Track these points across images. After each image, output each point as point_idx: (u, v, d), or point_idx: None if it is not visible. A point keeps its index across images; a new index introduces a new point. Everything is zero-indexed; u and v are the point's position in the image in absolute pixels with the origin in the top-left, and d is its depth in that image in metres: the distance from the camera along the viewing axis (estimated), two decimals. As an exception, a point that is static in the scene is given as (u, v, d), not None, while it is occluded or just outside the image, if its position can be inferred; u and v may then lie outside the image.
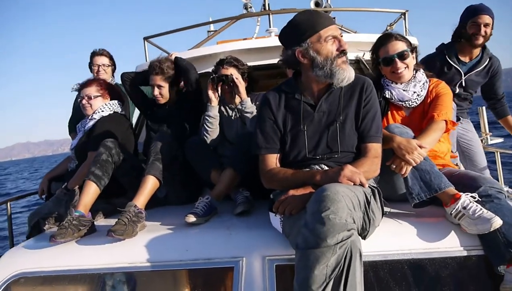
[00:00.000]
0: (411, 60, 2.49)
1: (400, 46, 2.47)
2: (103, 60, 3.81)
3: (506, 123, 3.59)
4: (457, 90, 3.39)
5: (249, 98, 2.94)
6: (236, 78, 2.91)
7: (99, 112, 3.03)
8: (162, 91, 3.15)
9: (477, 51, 3.33)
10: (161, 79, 3.12)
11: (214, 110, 2.96)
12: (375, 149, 2.02)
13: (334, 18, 5.76)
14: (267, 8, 5.07)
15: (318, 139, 2.05)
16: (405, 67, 2.47)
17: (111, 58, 3.87)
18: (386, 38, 2.56)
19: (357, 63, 3.82)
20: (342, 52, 1.97)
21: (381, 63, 2.53)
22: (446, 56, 3.35)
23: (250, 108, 2.90)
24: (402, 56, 2.46)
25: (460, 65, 3.35)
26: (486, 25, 3.16)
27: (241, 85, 2.92)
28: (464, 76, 3.35)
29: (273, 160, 2.11)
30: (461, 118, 3.52)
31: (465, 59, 3.35)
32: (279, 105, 2.12)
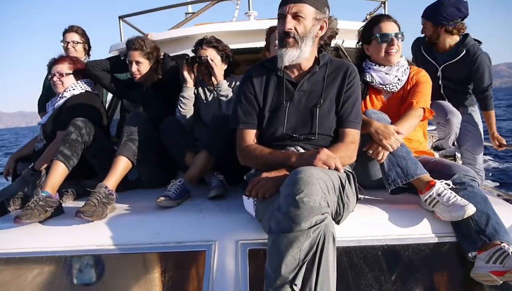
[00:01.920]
0: (401, 44, 2.50)
1: (395, 27, 2.50)
2: (72, 36, 3.63)
3: (486, 117, 3.57)
4: (440, 82, 3.43)
5: (225, 81, 2.89)
6: (212, 60, 2.84)
7: (70, 90, 2.92)
8: (140, 67, 3.01)
9: (449, 43, 3.35)
10: (140, 54, 2.98)
11: (189, 91, 2.91)
12: (353, 134, 2.01)
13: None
14: (246, -10, 4.99)
15: (296, 118, 2.02)
16: (396, 50, 2.48)
17: (83, 35, 3.69)
18: (382, 16, 2.58)
19: (336, 51, 3.80)
20: (283, 32, 1.95)
21: (379, 39, 2.48)
22: (422, 50, 3.44)
23: (225, 91, 2.85)
24: (397, 37, 2.47)
25: (436, 57, 3.40)
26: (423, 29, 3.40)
27: (217, 67, 2.87)
28: (440, 68, 3.38)
29: (251, 135, 2.08)
30: (461, 108, 3.54)
31: (440, 51, 3.39)
32: (260, 81, 2.10)
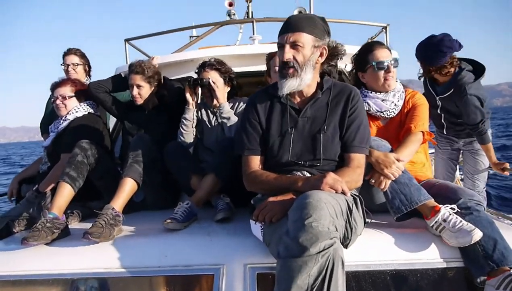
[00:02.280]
0: (395, 71, 2.52)
1: (389, 54, 2.52)
2: (72, 59, 3.65)
3: (484, 150, 3.51)
4: (439, 111, 3.45)
5: (227, 103, 2.91)
6: (213, 83, 2.87)
7: (73, 113, 2.94)
8: (141, 91, 3.05)
9: (443, 78, 3.30)
10: (141, 78, 3.03)
11: (190, 113, 2.94)
12: (358, 159, 2.01)
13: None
14: (250, 16, 5.08)
15: (300, 145, 2.03)
16: (393, 77, 2.50)
17: (82, 56, 3.70)
18: (376, 44, 2.59)
19: (339, 75, 3.84)
20: (282, 62, 1.98)
21: (375, 67, 2.48)
22: (426, 79, 3.44)
23: (227, 113, 2.87)
24: (393, 64, 2.49)
25: (435, 87, 3.40)
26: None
27: (218, 89, 2.89)
28: (437, 98, 3.38)
29: (256, 161, 2.09)
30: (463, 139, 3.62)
31: (438, 82, 3.37)
32: (264, 107, 2.12)
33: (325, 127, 2.01)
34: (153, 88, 3.10)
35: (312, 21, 1.99)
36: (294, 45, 1.95)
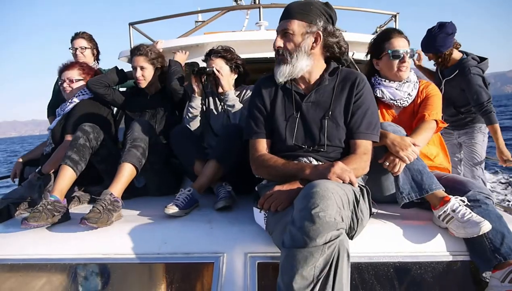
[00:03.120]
0: (410, 61, 2.50)
1: (406, 44, 2.49)
2: (80, 42, 3.63)
3: (491, 132, 3.62)
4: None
5: (232, 91, 2.88)
6: (218, 71, 2.85)
7: (79, 95, 2.93)
8: (144, 73, 3.03)
9: (451, 62, 3.60)
10: (145, 60, 3.02)
11: (196, 100, 2.92)
12: (365, 145, 1.98)
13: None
14: (257, 1, 5.00)
15: (305, 130, 2.02)
16: (407, 67, 2.48)
17: (90, 40, 3.68)
18: (394, 32, 2.54)
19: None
20: (274, 50, 2.03)
21: (390, 55, 2.45)
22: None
23: (232, 101, 2.83)
24: (408, 54, 2.47)
25: (442, 71, 3.67)
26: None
27: (223, 77, 2.87)
28: (443, 81, 3.60)
29: (263, 145, 2.08)
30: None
31: (446, 67, 3.63)
32: (269, 93, 2.12)
33: (330, 112, 2.00)
34: (156, 70, 3.09)
35: (305, 6, 1.99)
36: (285, 33, 1.99)
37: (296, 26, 1.96)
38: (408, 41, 2.50)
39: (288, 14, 1.99)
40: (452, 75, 3.55)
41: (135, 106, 3.19)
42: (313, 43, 2.00)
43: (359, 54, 3.64)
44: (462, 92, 3.57)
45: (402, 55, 2.44)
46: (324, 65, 2.10)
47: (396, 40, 2.47)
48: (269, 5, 4.40)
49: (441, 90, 3.41)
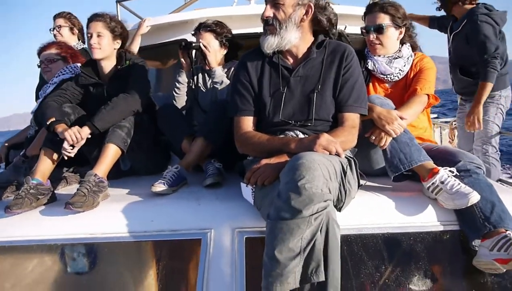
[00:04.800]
0: (390, 35, 2.43)
1: (380, 19, 2.42)
2: (57, 22, 3.52)
3: (479, 87, 3.28)
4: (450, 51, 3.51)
5: (219, 67, 2.80)
6: (205, 47, 2.75)
7: (59, 75, 2.84)
8: (101, 40, 2.55)
9: (461, 12, 3.39)
10: (102, 26, 2.56)
11: (182, 75, 2.87)
12: (353, 118, 1.96)
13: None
14: (247, -25, 4.89)
15: (292, 105, 1.98)
16: (379, 43, 2.43)
17: (68, 19, 3.56)
18: (371, 7, 2.50)
19: (338, 37, 3.71)
20: (263, 20, 2.00)
21: (363, 31, 2.49)
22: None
23: (219, 77, 2.76)
24: (378, 29, 2.42)
25: (452, 24, 3.49)
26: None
27: (209, 53, 2.75)
28: (451, 36, 3.44)
29: (248, 122, 2.05)
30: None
31: (455, 18, 3.46)
32: (255, 67, 2.07)
33: (319, 86, 1.96)
34: (115, 43, 2.65)
35: None
36: (275, 3, 1.95)
37: None
38: (392, 13, 2.42)
39: None
40: (460, 27, 3.34)
41: (94, 104, 2.56)
42: (303, 15, 1.97)
43: (352, 27, 3.57)
44: (469, 46, 3.30)
45: (367, 31, 2.45)
46: (312, 39, 2.06)
47: (368, 16, 2.48)
48: (259, -22, 4.31)
49: (449, 49, 3.44)
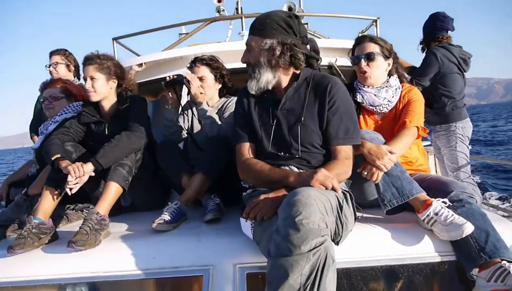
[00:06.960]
0: (380, 64, 2.51)
1: (371, 48, 2.51)
2: (53, 58, 3.59)
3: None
4: None
5: (204, 104, 2.77)
6: (188, 81, 2.67)
7: (62, 114, 2.89)
8: (95, 83, 2.58)
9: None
10: (94, 69, 2.57)
11: (169, 114, 2.78)
12: (345, 150, 1.99)
13: (307, 23, 5.76)
14: (239, 12, 5.03)
15: (279, 137, 2.04)
16: (368, 71, 2.51)
17: (64, 55, 3.63)
18: (361, 39, 2.61)
19: (329, 69, 3.82)
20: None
21: (352, 62, 2.58)
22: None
23: (205, 114, 2.70)
24: (369, 57, 2.49)
25: None
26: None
27: (194, 87, 2.69)
28: None
29: (248, 149, 2.12)
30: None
31: None
32: (248, 101, 2.16)
33: (302, 118, 2.00)
34: (111, 83, 2.68)
35: (262, 21, 2.00)
36: (248, 49, 2.06)
37: (254, 42, 2.01)
38: (380, 44, 2.52)
39: (251, 29, 2.04)
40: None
41: (96, 142, 2.65)
42: (272, 56, 1.99)
43: (342, 59, 3.67)
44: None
45: (358, 60, 2.52)
46: (296, 72, 2.09)
47: (358, 47, 2.57)
48: (251, 14, 4.43)
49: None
